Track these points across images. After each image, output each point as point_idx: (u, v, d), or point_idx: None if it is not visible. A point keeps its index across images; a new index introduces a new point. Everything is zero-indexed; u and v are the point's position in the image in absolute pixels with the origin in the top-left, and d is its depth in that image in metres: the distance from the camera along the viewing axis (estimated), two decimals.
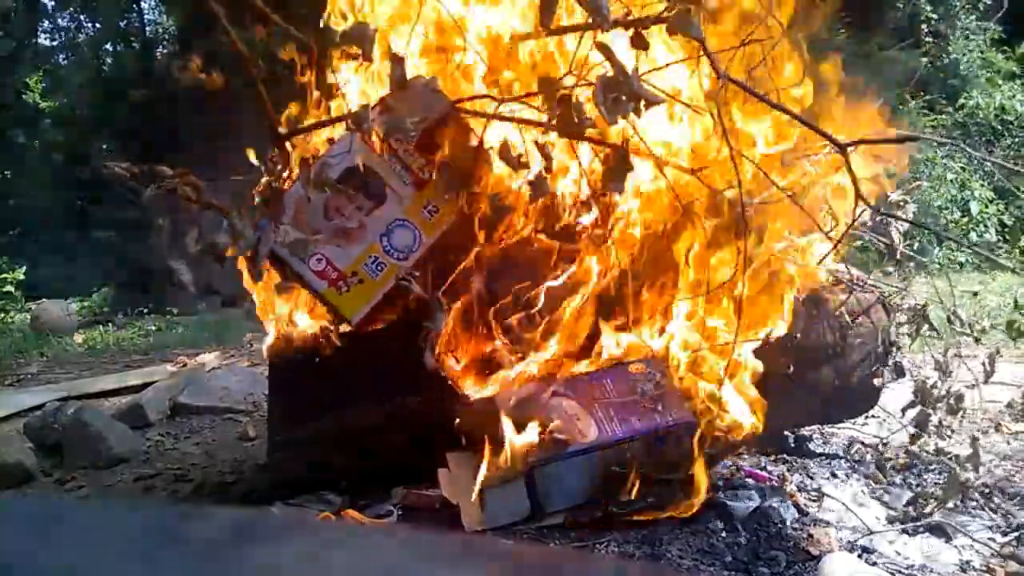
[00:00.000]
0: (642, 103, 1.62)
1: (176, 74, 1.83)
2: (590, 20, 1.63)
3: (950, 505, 2.06)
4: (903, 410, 2.38)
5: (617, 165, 1.72)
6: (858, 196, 1.81)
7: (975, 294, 2.25)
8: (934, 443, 2.41)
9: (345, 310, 2.10)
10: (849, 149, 1.79)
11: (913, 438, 2.35)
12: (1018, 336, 2.23)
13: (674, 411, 2.07)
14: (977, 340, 2.31)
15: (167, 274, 1.77)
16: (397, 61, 1.77)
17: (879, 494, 2.26)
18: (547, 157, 1.79)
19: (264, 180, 1.95)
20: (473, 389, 2.16)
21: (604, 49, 1.61)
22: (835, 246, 2.10)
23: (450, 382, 2.13)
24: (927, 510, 2.03)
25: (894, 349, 2.54)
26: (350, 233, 2.06)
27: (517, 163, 1.87)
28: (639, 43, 1.63)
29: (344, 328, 2.17)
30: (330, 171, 1.96)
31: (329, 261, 2.07)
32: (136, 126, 9.91)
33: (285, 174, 1.95)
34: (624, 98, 1.61)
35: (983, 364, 2.23)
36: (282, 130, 1.94)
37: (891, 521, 2.06)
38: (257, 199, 1.86)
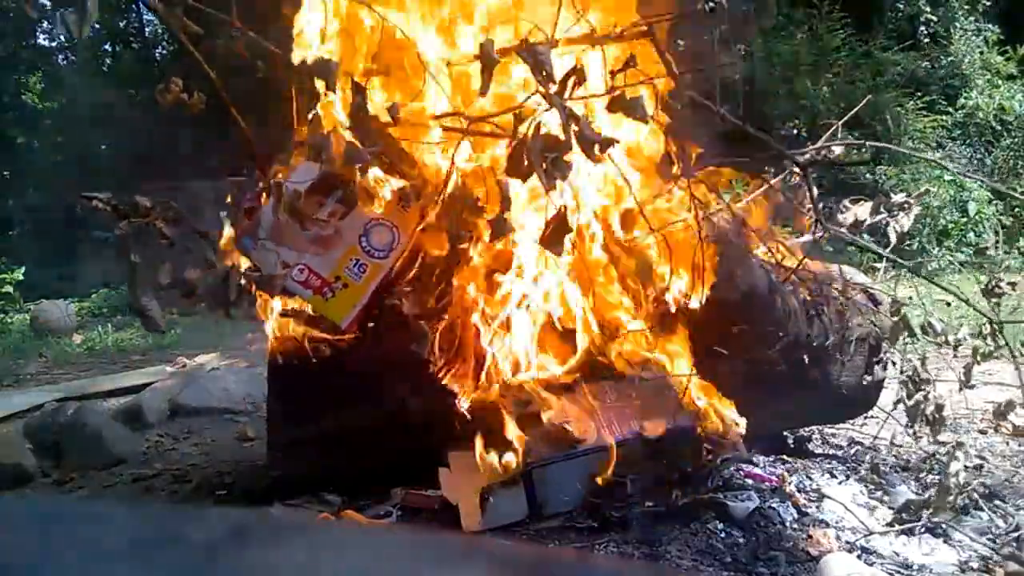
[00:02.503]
0: (595, 147, 1.63)
1: (163, 96, 1.85)
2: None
3: (942, 512, 2.06)
4: (894, 404, 2.38)
5: (557, 228, 1.74)
6: (818, 214, 1.84)
7: (948, 304, 2.24)
8: (928, 443, 2.41)
9: (333, 315, 2.11)
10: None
11: (910, 432, 2.35)
12: (984, 359, 2.23)
13: (672, 415, 2.07)
14: (955, 348, 2.31)
15: (137, 310, 1.81)
16: (358, 90, 1.80)
17: (879, 495, 2.26)
18: (506, 198, 1.81)
19: (240, 200, 1.98)
20: (470, 392, 2.16)
21: (550, 98, 1.63)
22: (797, 266, 2.13)
23: (447, 384, 2.13)
24: (921, 516, 2.03)
25: (883, 351, 2.54)
26: (328, 239, 2.07)
27: (475, 207, 1.91)
28: (580, 76, 1.64)
29: (335, 333, 2.17)
30: (299, 184, 1.99)
31: (311, 269, 2.08)
32: (135, 126, 9.91)
33: (261, 192, 1.98)
34: (564, 159, 1.62)
35: (960, 374, 2.23)
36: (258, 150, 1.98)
37: (887, 525, 2.06)
38: (235, 218, 1.90)
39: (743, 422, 2.14)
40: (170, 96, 1.85)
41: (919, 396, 2.19)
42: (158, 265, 1.76)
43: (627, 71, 1.69)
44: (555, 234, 1.74)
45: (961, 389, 2.21)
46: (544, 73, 1.62)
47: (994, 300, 2.20)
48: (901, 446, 2.76)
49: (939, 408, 2.20)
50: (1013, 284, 2.25)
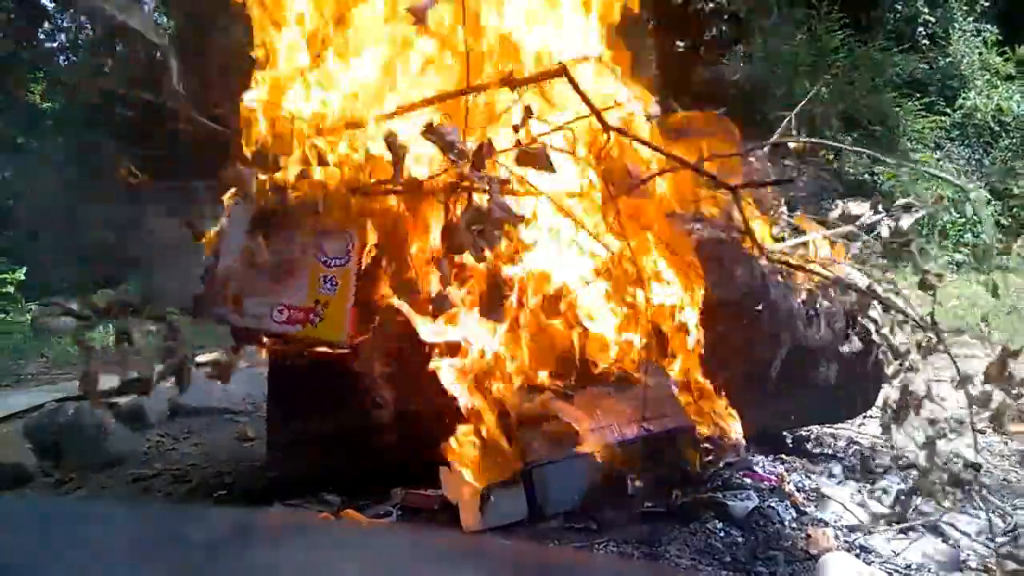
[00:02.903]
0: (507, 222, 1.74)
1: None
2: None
3: (925, 500, 2.06)
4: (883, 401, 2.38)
5: (492, 295, 1.83)
6: (753, 239, 1.88)
7: (937, 303, 2.30)
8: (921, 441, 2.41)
9: (329, 336, 2.13)
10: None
11: (892, 434, 2.35)
12: (928, 352, 2.30)
13: (672, 416, 2.07)
14: (930, 337, 2.34)
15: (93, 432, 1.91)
16: (278, 191, 1.85)
17: (877, 494, 2.26)
18: (444, 276, 1.86)
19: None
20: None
21: (469, 180, 1.71)
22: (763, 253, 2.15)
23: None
24: (911, 504, 2.03)
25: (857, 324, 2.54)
26: (288, 269, 2.10)
27: (410, 287, 2.00)
28: (489, 149, 1.76)
29: (341, 348, 2.19)
30: (233, 237, 2.06)
31: (288, 306, 2.11)
32: (135, 125, 9.91)
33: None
34: (493, 229, 1.71)
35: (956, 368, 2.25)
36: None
37: (877, 519, 2.05)
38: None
39: (740, 431, 2.16)
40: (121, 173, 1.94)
41: (899, 376, 2.22)
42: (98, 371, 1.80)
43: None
44: (490, 301, 1.86)
45: (925, 356, 2.22)
46: (456, 151, 1.72)
47: (930, 292, 2.24)
48: (888, 446, 2.76)
49: (905, 390, 2.21)
50: (940, 275, 2.29)
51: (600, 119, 1.88)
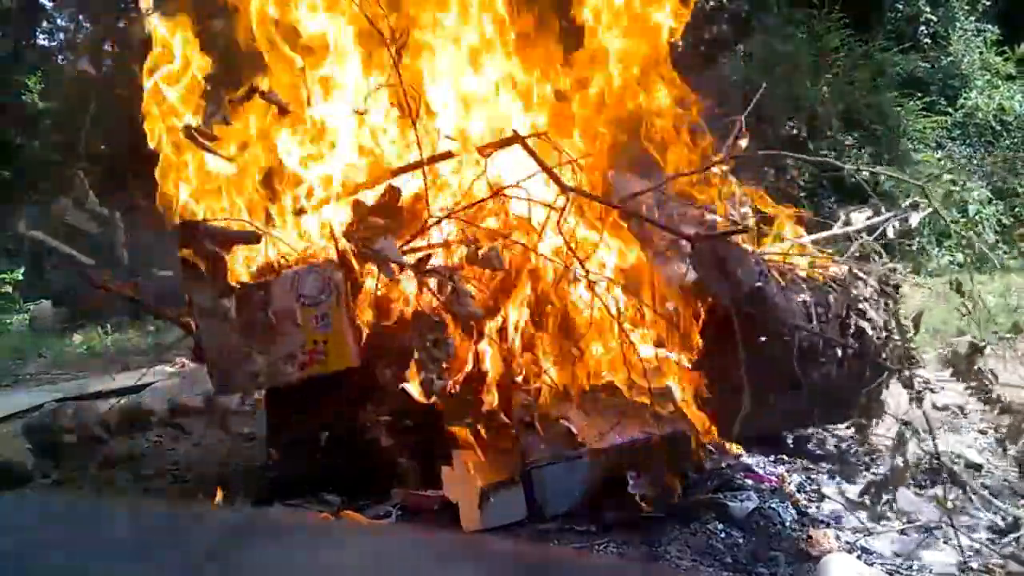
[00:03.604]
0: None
1: None
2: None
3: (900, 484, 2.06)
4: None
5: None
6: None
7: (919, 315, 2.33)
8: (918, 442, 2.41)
9: (338, 366, 2.18)
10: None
11: (899, 439, 2.36)
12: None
13: (670, 420, 2.07)
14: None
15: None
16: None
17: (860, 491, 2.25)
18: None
19: None
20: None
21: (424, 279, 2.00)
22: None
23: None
24: (883, 495, 2.02)
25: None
26: (273, 325, 2.13)
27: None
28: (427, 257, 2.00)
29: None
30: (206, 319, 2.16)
31: (289, 356, 2.17)
32: (135, 125, 9.90)
33: None
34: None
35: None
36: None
37: (855, 507, 2.05)
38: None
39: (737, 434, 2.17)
40: None
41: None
42: None
43: None
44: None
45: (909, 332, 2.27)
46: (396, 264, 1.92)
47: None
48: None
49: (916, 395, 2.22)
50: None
51: (556, 181, 1.98)
